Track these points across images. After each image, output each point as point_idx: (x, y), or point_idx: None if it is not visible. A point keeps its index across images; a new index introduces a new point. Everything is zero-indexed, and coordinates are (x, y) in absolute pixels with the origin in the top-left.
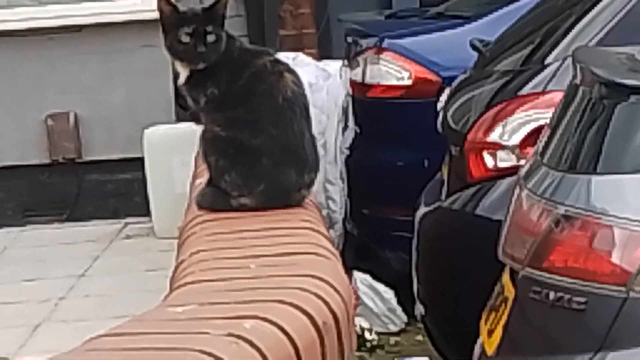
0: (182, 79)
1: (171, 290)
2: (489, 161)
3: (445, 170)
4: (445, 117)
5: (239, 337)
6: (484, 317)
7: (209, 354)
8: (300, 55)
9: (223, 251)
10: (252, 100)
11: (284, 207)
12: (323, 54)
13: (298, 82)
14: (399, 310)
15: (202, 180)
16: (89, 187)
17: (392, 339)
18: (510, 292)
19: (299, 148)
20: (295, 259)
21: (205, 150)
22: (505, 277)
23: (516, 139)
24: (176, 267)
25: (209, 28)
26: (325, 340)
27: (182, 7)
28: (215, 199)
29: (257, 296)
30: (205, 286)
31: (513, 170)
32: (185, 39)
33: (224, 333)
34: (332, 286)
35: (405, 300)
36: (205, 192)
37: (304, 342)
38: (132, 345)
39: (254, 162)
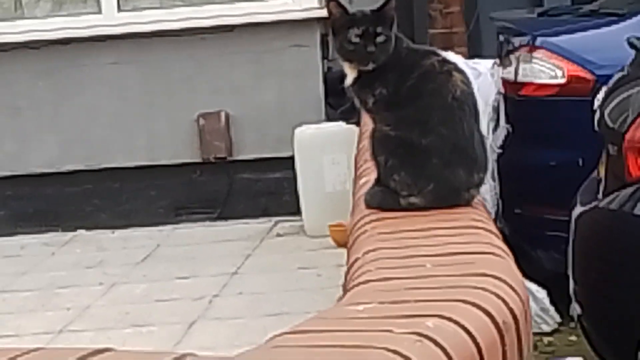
0: (349, 80)
1: (347, 288)
2: None
3: (602, 169)
4: (602, 115)
5: (423, 335)
6: None
7: (395, 352)
8: (450, 54)
9: (396, 250)
10: (422, 100)
11: (453, 206)
12: (473, 53)
13: (467, 81)
14: (551, 310)
15: (367, 179)
16: (239, 185)
17: (545, 339)
18: None
19: (468, 147)
20: (470, 258)
21: (374, 149)
22: None
23: None
24: (350, 266)
25: (379, 29)
26: (505, 339)
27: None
28: (384, 198)
29: (436, 295)
30: (383, 285)
31: None
32: (355, 39)
33: (408, 331)
34: (509, 285)
35: (558, 300)
36: (373, 192)
37: (486, 341)
38: (316, 342)
39: (423, 161)
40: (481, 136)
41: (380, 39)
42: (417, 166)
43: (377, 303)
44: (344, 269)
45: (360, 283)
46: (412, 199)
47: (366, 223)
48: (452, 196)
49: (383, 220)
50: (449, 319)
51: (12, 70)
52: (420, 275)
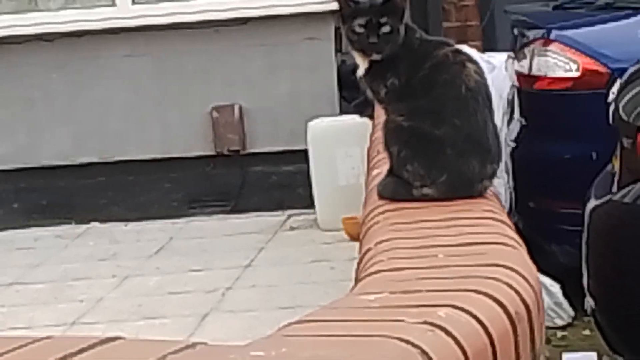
0: (361, 71)
1: (359, 278)
2: None
3: (616, 163)
4: (616, 109)
5: (434, 325)
6: None
7: (406, 341)
8: (464, 48)
9: (408, 240)
10: (435, 91)
11: (466, 197)
12: (487, 46)
13: (480, 71)
14: (565, 304)
15: (379, 171)
16: (252, 178)
17: (559, 333)
18: None
19: (482, 138)
20: (483, 248)
21: (386, 140)
22: None
23: None
24: (362, 256)
25: (383, 19)
26: (518, 330)
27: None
28: (396, 189)
29: (448, 285)
30: (395, 275)
31: None
32: (359, 29)
33: (419, 321)
34: (522, 276)
35: (572, 294)
36: (386, 182)
37: (498, 332)
38: (327, 332)
39: (436, 152)
40: (495, 127)
41: (385, 29)
42: (430, 157)
43: (389, 293)
44: (357, 262)
45: (372, 273)
46: (425, 190)
47: (379, 213)
48: (465, 187)
49: (395, 210)
50: (461, 309)
51: (26, 62)
52: (432, 266)
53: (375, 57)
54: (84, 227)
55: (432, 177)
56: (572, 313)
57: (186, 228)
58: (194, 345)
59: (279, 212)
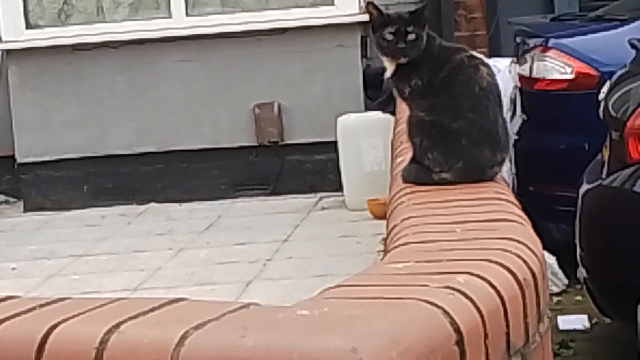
0: (388, 73)
1: (387, 250)
2: None
3: (605, 153)
4: (606, 106)
5: (454, 289)
6: None
7: (430, 303)
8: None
9: (430, 217)
10: (452, 90)
11: (479, 181)
12: (493, 53)
13: (492, 73)
14: (560, 273)
15: (402, 158)
16: (289, 166)
17: (555, 299)
18: None
19: (493, 130)
20: (495, 225)
21: (410, 132)
22: None
23: None
24: (390, 231)
25: (410, 28)
26: (526, 294)
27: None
28: (418, 174)
29: (466, 256)
30: (419, 247)
31: None
32: (389, 36)
33: (442, 286)
34: (529, 248)
35: (566, 265)
36: (409, 168)
37: (509, 295)
38: (363, 295)
39: (454, 142)
40: (504, 121)
41: (411, 37)
42: (448, 146)
43: (414, 262)
44: (380, 237)
45: (399, 245)
46: (444, 175)
47: (403, 195)
48: (479, 172)
49: (418, 192)
50: (477, 276)
51: (95, 66)
52: (451, 239)
53: (402, 60)
54: (143, 207)
55: (450, 164)
56: (566, 281)
57: (232, 208)
58: (248, 305)
59: (312, 195)
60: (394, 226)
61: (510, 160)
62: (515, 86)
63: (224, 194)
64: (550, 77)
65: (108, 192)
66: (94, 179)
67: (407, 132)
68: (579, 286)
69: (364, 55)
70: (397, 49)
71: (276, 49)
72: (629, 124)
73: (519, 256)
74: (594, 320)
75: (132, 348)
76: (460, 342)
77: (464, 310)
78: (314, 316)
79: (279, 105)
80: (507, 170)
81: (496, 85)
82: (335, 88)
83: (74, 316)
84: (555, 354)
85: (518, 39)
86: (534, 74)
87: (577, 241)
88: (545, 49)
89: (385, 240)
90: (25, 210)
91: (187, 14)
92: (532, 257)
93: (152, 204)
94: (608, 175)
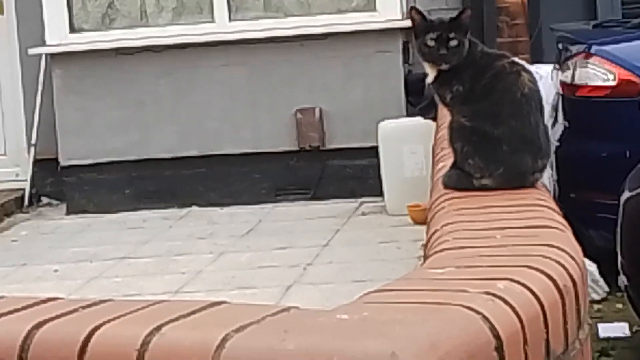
0: (430, 78)
1: (427, 255)
2: None
3: None
4: None
5: (494, 295)
6: None
7: (470, 308)
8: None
9: (470, 223)
10: (494, 96)
11: (519, 187)
12: (534, 59)
13: (533, 80)
14: (601, 281)
15: (443, 164)
16: (330, 171)
17: (595, 307)
18: None
19: (534, 137)
20: (535, 231)
21: (451, 137)
22: None
23: None
24: (430, 237)
25: (452, 34)
26: (566, 301)
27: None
28: (459, 179)
29: (506, 262)
30: (459, 252)
31: None
32: (431, 43)
33: (481, 291)
34: (569, 255)
35: (607, 273)
36: (450, 174)
37: (549, 302)
38: (402, 300)
39: (495, 148)
40: (545, 127)
41: (452, 43)
42: (489, 152)
43: (454, 267)
44: (420, 243)
45: (439, 251)
46: (484, 181)
47: (444, 200)
48: (519, 179)
49: (458, 198)
50: (517, 282)
51: (138, 70)
52: (491, 245)
53: (444, 67)
54: (185, 210)
55: (491, 170)
56: (607, 289)
57: (273, 212)
58: (288, 309)
59: (353, 200)
60: (435, 232)
61: (551, 167)
62: (557, 93)
63: (265, 199)
64: (592, 84)
65: (150, 196)
66: (136, 182)
67: (448, 138)
68: (619, 294)
69: (405, 61)
70: (438, 55)
71: (318, 54)
72: None
73: (559, 263)
74: (635, 328)
75: (173, 350)
76: (499, 348)
77: (504, 316)
78: (354, 320)
79: (320, 110)
80: (548, 177)
81: (538, 91)
82: (377, 93)
83: (115, 318)
84: None
85: (560, 46)
86: (576, 81)
87: (618, 249)
88: (588, 55)
89: (425, 245)
90: (68, 212)
91: (230, 19)
92: (572, 264)
93: (194, 208)
94: None
